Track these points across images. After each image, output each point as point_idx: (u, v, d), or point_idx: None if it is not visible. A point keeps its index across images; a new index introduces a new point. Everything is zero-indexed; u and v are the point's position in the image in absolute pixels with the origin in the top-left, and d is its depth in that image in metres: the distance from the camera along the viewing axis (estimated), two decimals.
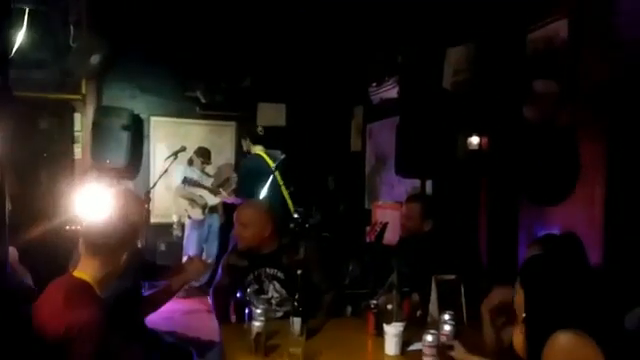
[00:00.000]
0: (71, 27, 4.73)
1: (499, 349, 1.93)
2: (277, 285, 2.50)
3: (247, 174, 4.44)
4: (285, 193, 4.18)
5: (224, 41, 5.35)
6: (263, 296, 2.51)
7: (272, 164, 4.30)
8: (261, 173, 4.30)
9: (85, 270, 1.76)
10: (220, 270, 2.59)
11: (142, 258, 2.58)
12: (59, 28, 4.70)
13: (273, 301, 2.50)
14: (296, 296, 2.11)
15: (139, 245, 3.76)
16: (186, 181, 4.89)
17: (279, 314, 2.45)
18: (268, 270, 2.51)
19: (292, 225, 4.43)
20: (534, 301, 1.48)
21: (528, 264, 1.59)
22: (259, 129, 4.48)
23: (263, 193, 3.95)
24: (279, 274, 2.50)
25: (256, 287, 2.50)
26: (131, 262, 1.90)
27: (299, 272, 2.47)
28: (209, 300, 2.61)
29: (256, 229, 2.46)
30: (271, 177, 4.20)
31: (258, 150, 4.43)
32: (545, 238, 2.33)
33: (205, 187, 5.06)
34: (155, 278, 2.79)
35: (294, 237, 2.67)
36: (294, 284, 2.30)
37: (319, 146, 5.68)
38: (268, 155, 4.39)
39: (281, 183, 4.21)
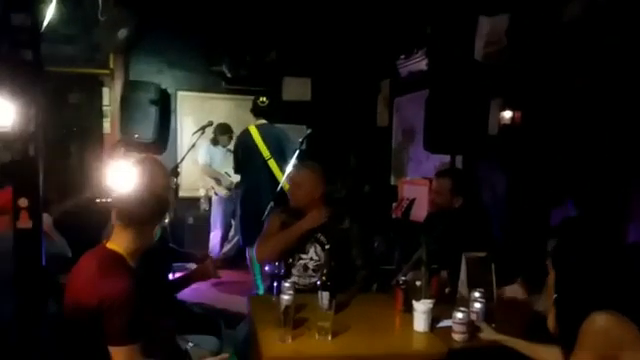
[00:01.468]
0: (99, 1, 4.73)
1: (528, 329, 1.91)
2: (318, 248, 2.56)
3: (235, 150, 4.35)
4: (274, 167, 4.03)
5: (250, 15, 5.28)
6: (303, 256, 2.55)
7: (259, 139, 4.11)
8: (245, 148, 4.17)
9: (118, 242, 1.78)
10: (267, 223, 2.69)
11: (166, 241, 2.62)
12: (88, 2, 4.71)
13: (310, 265, 2.55)
14: (324, 270, 2.12)
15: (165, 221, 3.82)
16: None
17: (314, 279, 2.47)
18: (312, 232, 2.56)
19: None
20: (565, 282, 1.46)
21: (559, 245, 1.56)
22: (261, 100, 4.25)
23: (290, 166, 3.86)
24: (322, 238, 2.56)
25: (297, 247, 2.56)
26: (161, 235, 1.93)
27: (327, 247, 2.51)
28: (254, 252, 2.65)
29: (308, 189, 2.58)
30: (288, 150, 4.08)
31: (255, 123, 4.24)
32: (570, 221, 2.26)
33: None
34: (176, 262, 2.87)
35: (340, 207, 2.70)
36: (334, 250, 2.44)
37: (345, 121, 5.62)
38: (264, 129, 4.14)
39: (267, 157, 4.05)
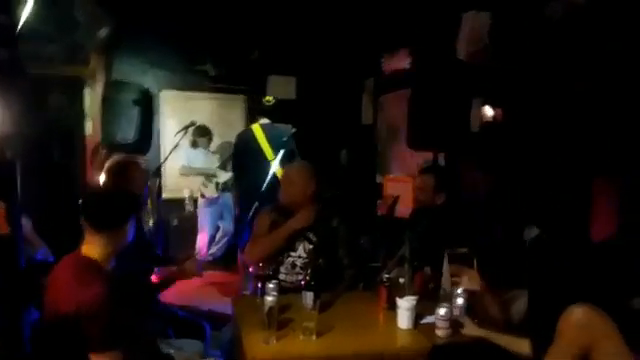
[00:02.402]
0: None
1: (508, 324, 1.93)
2: (307, 245, 2.57)
3: (235, 148, 4.36)
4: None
5: (232, 13, 5.25)
6: (292, 253, 2.56)
7: (262, 138, 4.12)
8: (247, 147, 4.16)
9: (91, 247, 1.73)
10: (256, 224, 2.68)
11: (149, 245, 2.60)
12: (68, 1, 4.64)
13: (298, 262, 2.55)
14: (308, 271, 2.13)
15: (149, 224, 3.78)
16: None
17: (300, 277, 2.47)
18: (302, 230, 2.57)
19: None
20: (540, 280, 1.50)
21: (534, 247, 1.61)
22: (266, 99, 4.26)
23: (275, 166, 3.84)
24: (311, 236, 2.57)
25: (287, 245, 2.56)
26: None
27: (311, 247, 2.52)
28: (242, 256, 2.64)
29: (300, 187, 2.58)
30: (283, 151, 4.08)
31: (257, 122, 4.28)
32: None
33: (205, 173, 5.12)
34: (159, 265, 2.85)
35: (329, 206, 2.71)
36: (322, 249, 2.47)
37: (330, 119, 5.62)
38: (268, 130, 4.17)
39: (271, 158, 4.05)
